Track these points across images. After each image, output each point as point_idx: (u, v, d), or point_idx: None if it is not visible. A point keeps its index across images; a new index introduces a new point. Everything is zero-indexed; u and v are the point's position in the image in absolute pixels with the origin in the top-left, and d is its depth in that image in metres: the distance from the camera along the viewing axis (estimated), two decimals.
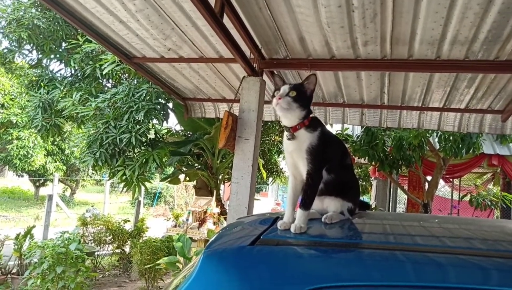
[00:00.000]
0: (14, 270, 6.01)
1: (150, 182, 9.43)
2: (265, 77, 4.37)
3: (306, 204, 1.28)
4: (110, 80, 6.73)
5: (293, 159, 1.39)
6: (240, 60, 3.60)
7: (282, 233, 1.15)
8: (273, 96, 1.46)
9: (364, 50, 3.72)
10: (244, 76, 3.89)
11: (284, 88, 1.42)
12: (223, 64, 4.51)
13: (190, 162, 7.79)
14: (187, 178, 7.98)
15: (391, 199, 10.10)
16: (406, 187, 8.84)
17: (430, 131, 6.52)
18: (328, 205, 1.36)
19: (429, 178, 8.10)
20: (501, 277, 0.89)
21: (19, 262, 5.85)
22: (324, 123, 1.66)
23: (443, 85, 4.45)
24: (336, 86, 4.77)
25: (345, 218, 1.34)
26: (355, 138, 7.17)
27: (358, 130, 7.66)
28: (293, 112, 1.39)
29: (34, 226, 6.34)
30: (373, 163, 7.14)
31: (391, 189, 9.84)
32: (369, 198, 13.33)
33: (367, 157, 6.69)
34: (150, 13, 3.54)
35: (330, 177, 1.36)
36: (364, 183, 12.60)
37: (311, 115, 1.45)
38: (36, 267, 4.70)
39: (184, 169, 7.78)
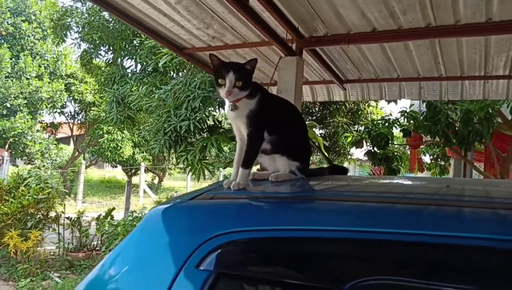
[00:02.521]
0: (98, 248, 6.76)
1: (213, 166, 9.78)
2: (306, 56, 4.39)
3: (246, 163, 1.36)
4: (172, 72, 7.16)
5: (237, 125, 1.46)
6: (274, 42, 3.66)
7: (226, 190, 1.25)
8: (217, 83, 1.44)
9: (405, 19, 3.55)
10: (280, 57, 3.94)
11: (230, 79, 1.39)
12: (266, 47, 4.57)
13: None
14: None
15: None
16: (483, 165, 8.19)
17: (500, 101, 5.98)
18: (278, 165, 1.43)
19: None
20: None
21: (101, 239, 6.55)
22: (266, 89, 1.64)
23: (504, 50, 4.08)
24: (385, 59, 4.60)
25: (297, 178, 1.39)
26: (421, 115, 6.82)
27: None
28: (240, 97, 1.42)
29: (113, 208, 7.03)
30: (437, 140, 6.73)
31: (466, 168, 9.15)
32: None
33: (430, 134, 6.33)
34: (188, 4, 3.72)
35: (275, 138, 1.42)
36: (442, 162, 11.87)
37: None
38: (111, 243, 5.25)
39: None
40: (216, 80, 1.43)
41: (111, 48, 7.82)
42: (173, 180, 28.42)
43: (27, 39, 17.04)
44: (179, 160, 6.19)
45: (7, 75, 15.72)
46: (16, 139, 15.51)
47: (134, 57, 7.87)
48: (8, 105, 15.30)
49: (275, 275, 0.93)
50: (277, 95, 3.89)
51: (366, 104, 10.38)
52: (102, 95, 16.43)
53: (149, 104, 6.35)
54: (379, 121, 7.55)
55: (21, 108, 15.66)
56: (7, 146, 14.97)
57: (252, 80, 1.47)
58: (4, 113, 15.32)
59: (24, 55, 16.47)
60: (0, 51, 15.64)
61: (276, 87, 3.91)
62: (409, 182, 1.60)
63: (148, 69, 7.42)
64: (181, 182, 26.90)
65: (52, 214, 7.08)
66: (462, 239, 0.78)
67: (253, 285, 0.96)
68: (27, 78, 16.08)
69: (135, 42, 8.01)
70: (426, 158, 12.60)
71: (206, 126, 6.24)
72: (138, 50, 7.45)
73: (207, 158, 6.28)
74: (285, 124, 1.47)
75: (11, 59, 16.11)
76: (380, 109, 11.22)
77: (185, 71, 6.61)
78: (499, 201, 1.07)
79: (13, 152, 15.78)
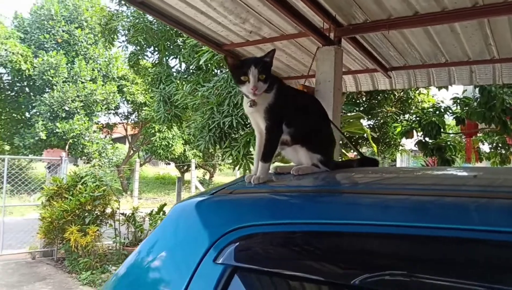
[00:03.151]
0: None
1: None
2: (347, 45, 4.28)
3: (265, 157, 1.35)
4: (214, 69, 7.25)
5: (255, 119, 1.44)
6: (310, 32, 3.60)
7: (247, 184, 1.24)
8: (239, 81, 1.40)
9: (449, 0, 3.37)
10: (318, 47, 3.86)
11: (254, 74, 1.35)
12: (305, 38, 4.50)
13: None
14: None
15: None
16: None
17: None
18: (300, 157, 1.39)
19: None
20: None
21: None
22: (282, 80, 1.57)
23: None
24: (430, 43, 4.38)
25: (320, 171, 1.35)
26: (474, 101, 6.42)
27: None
28: (263, 90, 1.39)
29: (165, 204, 7.27)
30: (493, 127, 6.31)
31: None
32: None
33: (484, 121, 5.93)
34: (222, 0, 3.75)
35: (293, 130, 1.39)
36: (504, 151, 11.13)
37: None
38: None
39: None
40: (238, 78, 1.39)
41: (156, 49, 8.06)
42: (224, 176, 28.94)
43: (81, 45, 17.95)
44: (224, 156, 6.27)
45: (64, 80, 16.67)
46: (75, 140, 16.43)
47: (178, 56, 8.05)
48: (66, 108, 16.22)
49: (292, 269, 0.91)
50: (316, 86, 3.84)
51: (417, 92, 9.92)
52: (152, 95, 17.05)
53: (193, 102, 6.48)
54: (430, 110, 7.21)
55: (78, 110, 16.54)
56: (67, 147, 15.90)
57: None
58: (63, 116, 16.25)
59: (78, 60, 17.37)
60: (57, 58, 16.59)
61: (315, 78, 3.84)
62: (440, 173, 1.51)
63: (192, 68, 7.57)
64: (231, 177, 27.24)
65: (108, 210, 7.44)
66: None
67: (269, 279, 0.95)
68: (82, 82, 16.96)
69: (178, 41, 8.20)
70: (485, 147, 11.85)
71: (248, 121, 6.27)
72: (182, 49, 7.62)
73: (251, 153, 6.31)
74: (304, 116, 1.44)
75: (67, 64, 17.05)
76: (432, 96, 10.69)
77: (226, 67, 6.68)
78: None
79: (72, 153, 16.73)
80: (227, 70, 6.39)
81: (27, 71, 16.32)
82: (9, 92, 18.03)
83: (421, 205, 0.88)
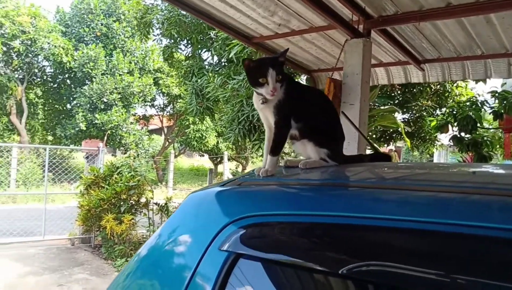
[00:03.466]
0: None
1: (286, 154, 9.78)
2: (377, 37, 4.21)
3: (273, 150, 1.38)
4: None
5: (264, 114, 1.47)
6: (337, 24, 3.57)
7: (256, 177, 1.28)
8: (257, 83, 1.40)
9: None
10: (346, 40, 3.83)
11: (272, 76, 1.37)
12: (334, 31, 4.47)
13: None
14: None
15: None
16: None
17: None
18: (309, 151, 1.41)
19: None
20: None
21: None
22: (290, 76, 1.58)
23: None
24: (465, 35, 4.24)
25: (328, 165, 1.36)
26: None
27: None
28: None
29: None
30: None
31: None
32: None
33: None
34: None
35: (301, 125, 1.41)
36: None
37: None
38: None
39: None
40: (256, 81, 1.40)
41: (189, 42, 8.19)
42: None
43: (118, 38, 18.50)
44: (254, 148, 6.33)
45: (102, 72, 17.24)
46: (113, 131, 17.00)
47: (210, 49, 8.16)
48: (105, 100, 16.78)
49: (292, 258, 0.95)
50: (343, 79, 3.81)
51: (454, 84, 9.57)
52: (186, 87, 17.35)
53: (224, 95, 6.57)
54: (466, 103, 6.96)
55: (116, 102, 17.08)
56: (105, 138, 16.48)
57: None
58: (102, 107, 16.83)
59: (116, 53, 17.90)
60: (96, 51, 17.17)
61: (342, 71, 3.81)
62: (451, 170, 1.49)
63: (223, 60, 7.65)
64: None
65: (143, 200, 7.67)
66: None
67: (270, 267, 0.99)
68: (119, 74, 17.48)
69: (211, 34, 8.29)
70: None
71: None
72: (214, 42, 7.71)
73: None
74: (311, 111, 1.46)
75: (105, 57, 17.62)
76: (471, 90, 10.28)
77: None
78: None
79: (110, 143, 17.33)
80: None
81: (68, 63, 17.02)
82: (52, 84, 18.86)
83: (415, 200, 0.89)
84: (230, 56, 6.61)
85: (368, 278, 0.82)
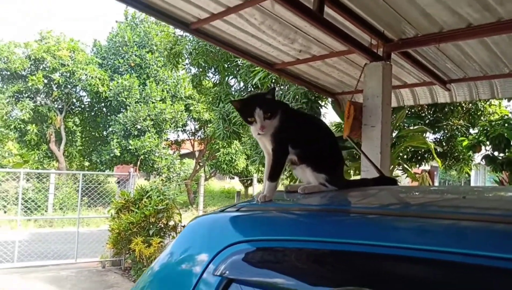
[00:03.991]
0: None
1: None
2: (398, 59, 4.22)
3: (272, 176, 1.42)
4: (270, 87, 7.44)
5: (263, 142, 1.52)
6: (356, 49, 3.61)
7: (256, 202, 1.32)
8: (247, 121, 1.49)
9: (504, 10, 3.23)
10: (365, 63, 3.86)
11: (259, 115, 1.43)
12: (355, 54, 4.51)
13: (355, 155, 7.81)
14: (356, 171, 7.99)
15: None
16: None
17: None
18: (308, 176, 1.44)
19: None
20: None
21: None
22: (287, 104, 1.63)
23: None
24: (490, 54, 4.18)
25: (327, 190, 1.39)
26: None
27: None
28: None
29: None
30: None
31: None
32: None
33: None
34: (270, 23, 3.88)
35: (299, 151, 1.44)
36: None
37: None
38: None
39: (350, 163, 7.83)
40: (245, 119, 1.49)
41: (217, 70, 8.43)
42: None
43: (151, 68, 19.25)
44: None
45: (136, 100, 17.91)
46: (146, 156, 17.50)
47: (236, 76, 8.36)
48: (138, 127, 17.36)
49: (284, 285, 0.97)
50: (364, 101, 3.82)
51: (487, 103, 9.32)
52: (214, 113, 17.70)
53: None
54: (498, 122, 6.77)
55: (149, 128, 17.63)
56: (138, 163, 16.95)
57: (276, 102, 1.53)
58: (135, 133, 17.41)
59: (149, 82, 18.61)
60: (130, 80, 17.90)
61: (363, 94, 3.83)
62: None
63: (249, 86, 7.81)
64: None
65: (171, 223, 7.81)
66: None
67: None
68: (152, 102, 18.10)
69: (238, 62, 8.51)
70: None
71: None
72: (239, 69, 7.91)
73: None
74: (308, 137, 1.51)
75: (139, 86, 18.34)
76: (505, 107, 9.97)
77: (279, 85, 6.82)
78: None
79: (143, 168, 17.80)
80: (280, 87, 6.53)
81: (104, 93, 17.81)
82: (89, 112, 19.73)
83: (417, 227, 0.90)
84: (254, 82, 6.75)
85: None
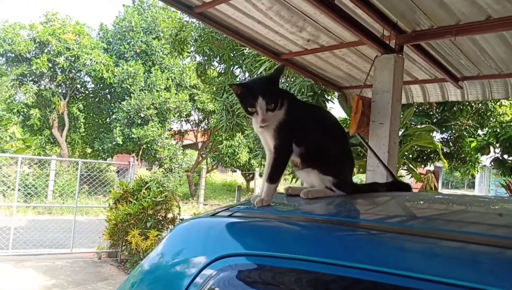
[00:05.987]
0: None
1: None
2: (411, 53, 4.01)
3: (271, 177, 1.24)
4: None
5: (264, 137, 1.34)
6: (367, 40, 3.41)
7: (252, 206, 1.13)
8: (247, 111, 1.31)
9: None
10: (376, 56, 3.65)
11: (262, 106, 1.25)
12: (366, 46, 4.30)
13: (360, 153, 7.60)
14: (361, 170, 7.80)
15: None
16: None
17: None
18: (312, 179, 1.25)
19: None
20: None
21: None
22: (293, 94, 1.43)
23: None
24: (507, 50, 3.97)
25: (334, 195, 1.19)
26: None
27: None
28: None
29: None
30: None
31: None
32: None
33: None
34: (278, 9, 3.68)
35: (303, 149, 1.26)
36: None
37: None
38: None
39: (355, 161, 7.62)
40: (246, 109, 1.31)
41: (222, 59, 8.22)
42: (288, 185, 28.79)
43: (157, 55, 19.00)
44: None
45: (140, 88, 17.70)
46: (148, 145, 17.32)
47: (241, 66, 8.15)
48: (142, 115, 17.16)
49: None
50: (372, 96, 3.62)
51: (497, 103, 9.05)
52: (218, 103, 17.52)
53: None
54: (509, 124, 6.54)
55: (152, 117, 17.44)
56: (140, 152, 16.81)
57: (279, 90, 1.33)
58: (139, 122, 17.22)
59: (155, 69, 18.37)
60: (135, 67, 17.68)
61: (372, 89, 3.63)
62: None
63: (254, 77, 7.60)
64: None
65: (170, 215, 7.65)
66: None
67: None
68: (157, 90, 17.89)
69: (244, 51, 8.29)
70: None
71: None
72: (245, 59, 7.69)
73: None
74: (315, 133, 1.32)
75: (144, 73, 18.11)
76: None
77: (285, 76, 6.62)
78: None
79: (145, 158, 17.66)
80: (286, 79, 6.32)
81: (108, 79, 17.61)
82: (93, 98, 19.56)
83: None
84: (259, 72, 6.55)
85: None
